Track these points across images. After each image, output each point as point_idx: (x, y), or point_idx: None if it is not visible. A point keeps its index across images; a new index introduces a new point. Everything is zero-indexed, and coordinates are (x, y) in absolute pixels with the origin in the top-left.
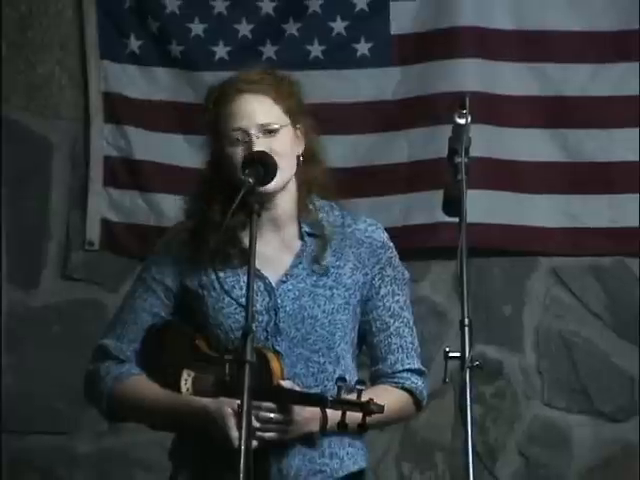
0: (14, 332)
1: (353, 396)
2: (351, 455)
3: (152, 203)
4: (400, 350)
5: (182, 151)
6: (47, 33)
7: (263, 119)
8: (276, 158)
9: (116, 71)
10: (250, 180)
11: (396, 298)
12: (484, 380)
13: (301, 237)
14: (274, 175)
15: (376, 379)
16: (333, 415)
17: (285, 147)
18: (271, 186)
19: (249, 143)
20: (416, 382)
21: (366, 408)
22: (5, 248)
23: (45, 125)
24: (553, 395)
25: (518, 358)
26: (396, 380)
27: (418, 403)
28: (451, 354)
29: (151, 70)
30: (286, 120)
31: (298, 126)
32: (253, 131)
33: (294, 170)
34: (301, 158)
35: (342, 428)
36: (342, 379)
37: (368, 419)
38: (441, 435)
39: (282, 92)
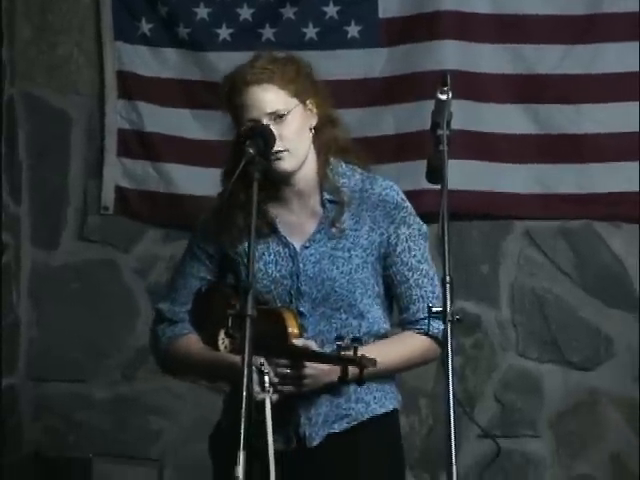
0: (37, 289)
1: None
2: (378, 399)
3: (161, 171)
4: (421, 300)
5: (189, 124)
6: (66, 17)
7: (270, 107)
8: (288, 142)
9: (129, 51)
10: (251, 150)
11: (413, 253)
12: (464, 333)
13: (322, 204)
14: (273, 145)
15: (403, 326)
16: (352, 367)
17: (295, 130)
18: (288, 165)
19: None
20: (438, 327)
21: (361, 363)
22: (28, 213)
23: (64, 101)
24: (526, 346)
25: (495, 313)
26: (419, 327)
27: (441, 344)
28: (434, 309)
29: (160, 50)
30: (294, 102)
31: (308, 102)
32: (265, 120)
33: (308, 147)
34: (312, 130)
35: (343, 380)
36: (340, 338)
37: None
38: (425, 383)
39: (287, 77)
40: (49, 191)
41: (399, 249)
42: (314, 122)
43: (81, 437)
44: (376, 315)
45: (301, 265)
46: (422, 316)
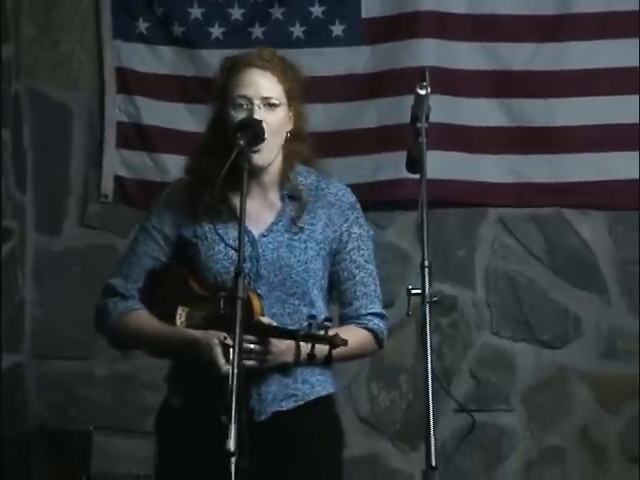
0: (41, 272)
1: (322, 332)
2: (320, 382)
3: (158, 162)
4: (364, 297)
5: (183, 117)
6: (68, 17)
7: (266, 93)
8: (269, 133)
9: (127, 49)
10: (241, 142)
11: (361, 252)
12: (441, 313)
13: (282, 199)
14: (262, 140)
15: (344, 321)
16: (305, 348)
17: (279, 123)
18: (261, 160)
19: (251, 110)
20: (378, 324)
21: (332, 341)
22: (32, 201)
23: (66, 96)
24: (500, 325)
25: (470, 294)
26: (360, 321)
27: (380, 342)
28: (413, 291)
29: (157, 48)
30: (284, 100)
31: (292, 108)
32: (256, 101)
33: (280, 147)
34: (289, 135)
35: (311, 359)
36: (312, 316)
37: (335, 352)
38: (405, 360)
39: (286, 75)
40: (52, 180)
41: (349, 247)
42: (289, 128)
43: (82, 411)
44: (321, 306)
45: (260, 250)
46: (364, 312)
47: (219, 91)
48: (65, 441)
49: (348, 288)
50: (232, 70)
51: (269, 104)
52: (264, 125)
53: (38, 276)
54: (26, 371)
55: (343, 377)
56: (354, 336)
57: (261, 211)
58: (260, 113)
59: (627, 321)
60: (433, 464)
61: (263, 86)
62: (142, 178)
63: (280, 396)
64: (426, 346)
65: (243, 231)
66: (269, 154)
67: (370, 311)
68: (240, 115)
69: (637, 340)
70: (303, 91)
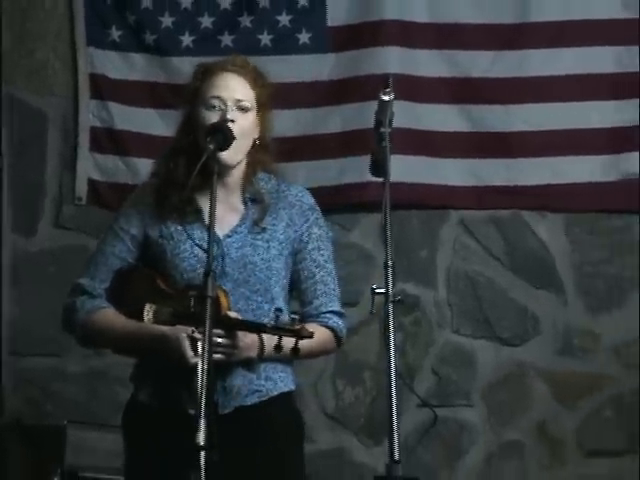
0: (17, 272)
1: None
2: (282, 378)
3: (130, 165)
4: (324, 295)
5: (154, 122)
6: (43, 25)
7: (239, 95)
8: (239, 134)
9: (100, 56)
10: (211, 146)
11: (321, 252)
12: (404, 312)
13: (244, 203)
14: (231, 143)
15: (304, 319)
16: (269, 342)
17: (248, 126)
18: (229, 158)
19: (224, 112)
20: (337, 322)
21: (298, 333)
22: (9, 203)
23: (42, 101)
24: (461, 324)
25: (432, 293)
26: (320, 319)
27: (339, 340)
28: (377, 290)
29: (129, 55)
30: (255, 105)
31: (260, 115)
32: (229, 103)
33: (248, 149)
34: (257, 142)
35: (278, 350)
36: (279, 310)
37: (300, 345)
38: (368, 357)
39: (258, 82)
40: (28, 183)
41: (310, 247)
42: (256, 135)
43: (57, 406)
44: (282, 304)
45: (225, 249)
46: (324, 310)
47: (192, 94)
48: (40, 435)
49: (309, 287)
50: (206, 74)
51: (241, 107)
52: (235, 126)
53: (14, 276)
54: (3, 368)
55: (309, 374)
56: (315, 333)
57: (225, 214)
58: (232, 114)
59: (583, 320)
60: (396, 457)
61: (236, 89)
62: (114, 181)
63: (244, 391)
64: (389, 344)
65: (212, 231)
66: (237, 154)
67: (330, 309)
68: (213, 116)
69: (593, 338)
70: (271, 100)
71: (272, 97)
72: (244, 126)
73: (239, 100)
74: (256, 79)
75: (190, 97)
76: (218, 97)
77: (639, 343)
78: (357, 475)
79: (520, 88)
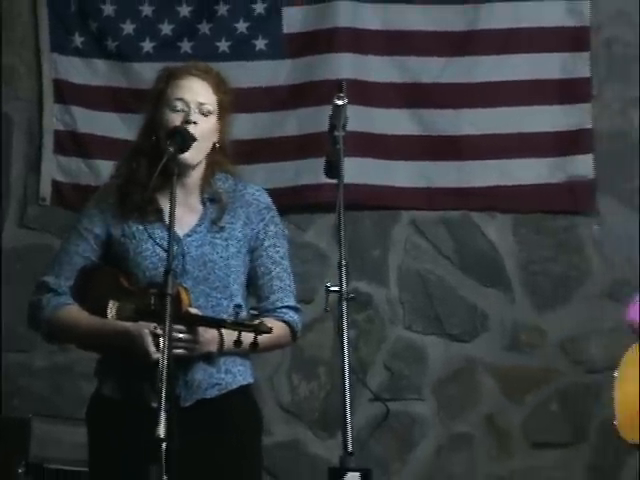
0: None
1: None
2: (241, 372)
3: (92, 167)
4: (280, 291)
5: (116, 126)
6: (9, 32)
7: (203, 99)
8: (200, 136)
9: (64, 62)
10: (171, 149)
11: (277, 249)
12: (357, 309)
13: (203, 203)
14: (190, 146)
15: (261, 314)
16: (229, 337)
17: (209, 129)
18: (190, 158)
19: (187, 113)
20: (293, 317)
21: (257, 328)
22: None
23: (7, 105)
24: (412, 321)
25: (384, 291)
26: (277, 314)
27: (294, 334)
28: (331, 288)
29: (91, 61)
30: (216, 110)
31: (220, 120)
32: (192, 105)
33: (208, 151)
34: (217, 145)
35: (237, 345)
36: (239, 306)
37: (258, 339)
38: (323, 353)
39: (220, 88)
40: None
41: (266, 244)
42: (216, 139)
43: (24, 401)
44: (241, 300)
45: (185, 248)
46: (280, 305)
47: (156, 96)
48: (4, 428)
49: (265, 283)
50: (171, 77)
51: (203, 111)
52: (197, 128)
53: None
54: None
55: (265, 369)
56: (274, 329)
57: (185, 214)
58: (195, 116)
59: (530, 316)
60: (349, 450)
61: (200, 93)
62: (77, 182)
63: (205, 385)
64: (343, 340)
65: (172, 231)
66: (197, 155)
67: (286, 304)
68: (176, 118)
69: (539, 334)
70: (232, 106)
71: (233, 102)
72: (205, 129)
73: (202, 103)
74: (219, 85)
75: (154, 99)
76: (182, 99)
77: (584, 339)
78: (312, 466)
79: (469, 93)
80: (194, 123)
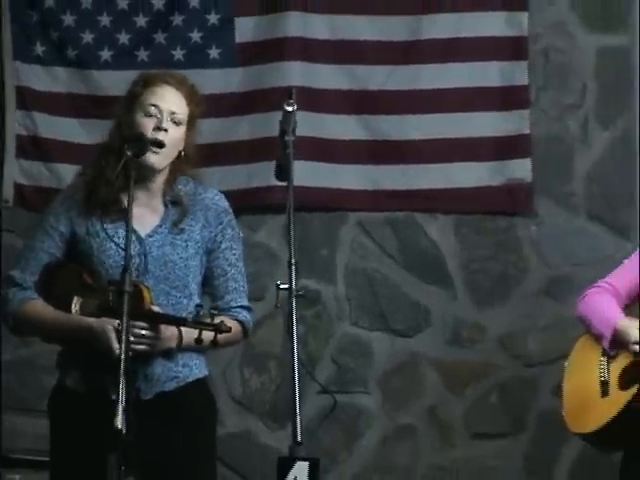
0: None
1: (208, 320)
2: (197, 365)
3: (53, 170)
4: (235, 291)
5: (76, 131)
6: None
7: (175, 109)
8: (169, 144)
9: (25, 69)
10: (129, 153)
11: (233, 252)
12: (306, 306)
13: (165, 205)
14: (144, 154)
15: (221, 313)
16: (188, 334)
17: (178, 138)
18: (157, 162)
19: (160, 120)
20: (246, 316)
21: (218, 327)
22: None
23: None
24: (358, 317)
25: (332, 289)
26: (231, 313)
27: (246, 331)
28: (281, 286)
29: (52, 69)
30: (186, 121)
31: (188, 131)
32: (165, 113)
33: (174, 158)
34: (182, 153)
35: (198, 343)
36: (200, 305)
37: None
38: (273, 348)
39: (193, 100)
40: None
41: (223, 246)
42: (182, 147)
43: None
44: (197, 300)
45: (147, 248)
46: (235, 305)
47: (131, 99)
48: None
49: (221, 283)
50: (148, 83)
51: (175, 120)
52: (167, 136)
53: None
54: None
55: (218, 363)
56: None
57: (147, 215)
58: (166, 124)
59: (471, 313)
60: (299, 440)
61: (174, 102)
62: (39, 185)
63: (164, 378)
64: (292, 335)
65: (130, 232)
66: (164, 160)
67: (239, 304)
68: (149, 122)
69: (479, 330)
70: (200, 117)
71: (202, 114)
72: (174, 137)
73: (174, 113)
74: (192, 96)
75: (128, 102)
76: (156, 106)
77: (521, 334)
78: (262, 456)
79: (413, 100)
80: (165, 130)
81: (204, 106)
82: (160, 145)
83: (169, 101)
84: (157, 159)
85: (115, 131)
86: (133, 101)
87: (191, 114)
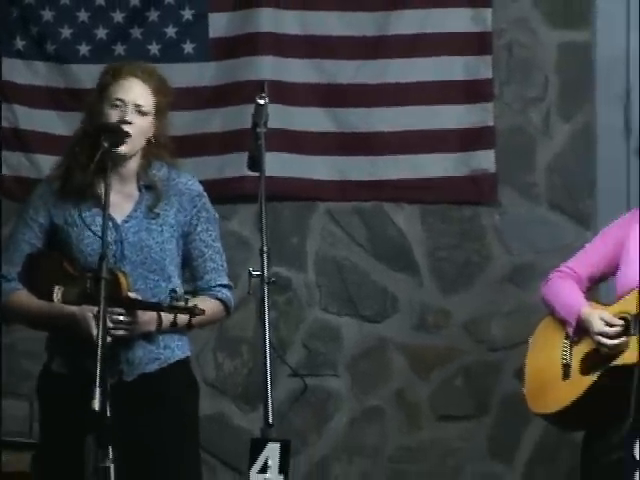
0: None
1: (182, 304)
2: (179, 347)
3: (32, 161)
4: (214, 271)
5: (55, 123)
6: None
7: (140, 101)
8: (134, 133)
9: (7, 64)
10: (105, 144)
11: (209, 233)
12: (277, 292)
13: (139, 190)
14: (123, 142)
15: (197, 293)
16: (166, 318)
17: (145, 127)
18: (124, 150)
19: (124, 112)
20: (226, 294)
21: (192, 311)
22: None
23: None
24: (328, 303)
25: (302, 276)
26: (212, 292)
27: (228, 309)
28: (254, 273)
29: (32, 63)
30: (153, 111)
31: (157, 119)
32: (130, 106)
33: (143, 145)
34: (153, 140)
35: (174, 326)
36: (174, 291)
37: (194, 320)
38: (246, 332)
39: (161, 91)
40: None
41: (199, 229)
42: (151, 134)
43: None
44: (176, 281)
45: (123, 234)
46: (214, 284)
47: (99, 91)
48: None
49: (199, 264)
50: (116, 75)
51: (140, 111)
52: (132, 127)
53: None
54: None
55: (192, 347)
56: (208, 305)
57: (122, 201)
58: (131, 116)
59: (436, 299)
60: (270, 422)
61: (139, 94)
62: (19, 175)
63: (145, 360)
64: (264, 320)
65: (106, 221)
66: (131, 149)
67: (219, 283)
68: (114, 114)
69: (444, 315)
70: (170, 106)
71: (171, 103)
72: (140, 127)
73: (139, 105)
74: (159, 87)
75: (97, 93)
76: (121, 99)
77: (485, 320)
78: (235, 438)
79: (381, 93)
80: (129, 123)
81: (172, 96)
82: (124, 135)
83: (134, 94)
84: (125, 147)
85: (87, 120)
86: (101, 92)
87: (158, 104)
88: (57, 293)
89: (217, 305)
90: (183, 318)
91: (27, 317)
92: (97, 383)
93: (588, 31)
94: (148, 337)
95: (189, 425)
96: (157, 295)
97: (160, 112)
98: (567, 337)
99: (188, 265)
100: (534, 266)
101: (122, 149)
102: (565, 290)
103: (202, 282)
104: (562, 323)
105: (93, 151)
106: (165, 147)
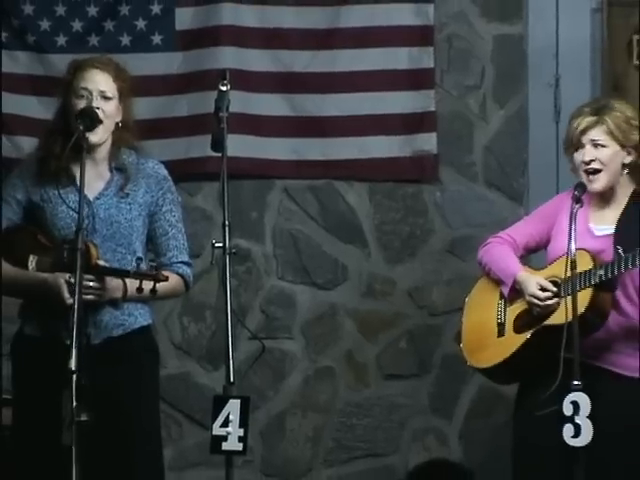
0: None
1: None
2: (142, 314)
3: (13, 142)
4: (175, 249)
5: (34, 107)
6: None
7: (103, 87)
8: (104, 118)
9: None
10: (81, 127)
11: (173, 214)
12: (238, 262)
13: (111, 171)
14: (97, 126)
15: (159, 268)
16: (132, 285)
17: (111, 111)
18: (95, 138)
19: (90, 100)
20: (186, 270)
21: (156, 277)
22: None
23: None
24: (284, 272)
25: (261, 247)
26: (173, 268)
27: (187, 284)
28: (216, 245)
29: (14, 53)
30: (116, 95)
31: (121, 102)
32: (95, 93)
33: (112, 130)
34: (120, 124)
35: (140, 292)
36: (140, 259)
37: (157, 287)
38: (209, 299)
39: (120, 76)
40: None
41: (164, 209)
42: (119, 119)
43: None
44: (142, 256)
45: (95, 210)
46: (176, 260)
47: (66, 85)
48: None
49: (163, 242)
50: (78, 69)
51: (104, 96)
52: (100, 112)
53: None
54: None
55: (160, 313)
56: (171, 281)
57: (94, 180)
58: (97, 102)
59: (383, 269)
60: (231, 380)
61: (101, 82)
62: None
63: (111, 325)
64: (226, 288)
65: (82, 198)
66: (102, 134)
67: (180, 260)
68: (81, 103)
69: (390, 284)
70: (131, 90)
71: (131, 88)
72: (107, 111)
73: (102, 91)
74: (118, 74)
75: (64, 88)
76: (85, 88)
77: (427, 288)
78: (200, 395)
79: (333, 81)
80: (97, 108)
81: (130, 81)
82: (97, 120)
83: (96, 82)
84: (95, 135)
85: (58, 113)
86: (67, 86)
87: (120, 89)
88: (32, 262)
89: (178, 280)
90: (148, 285)
91: (5, 284)
92: (74, 344)
93: (521, 24)
94: (114, 303)
95: (148, 384)
96: (123, 267)
97: (123, 96)
98: (501, 297)
99: (152, 242)
100: (471, 239)
101: (93, 138)
102: (502, 253)
103: (165, 258)
104: (497, 284)
105: (65, 143)
106: (131, 131)
